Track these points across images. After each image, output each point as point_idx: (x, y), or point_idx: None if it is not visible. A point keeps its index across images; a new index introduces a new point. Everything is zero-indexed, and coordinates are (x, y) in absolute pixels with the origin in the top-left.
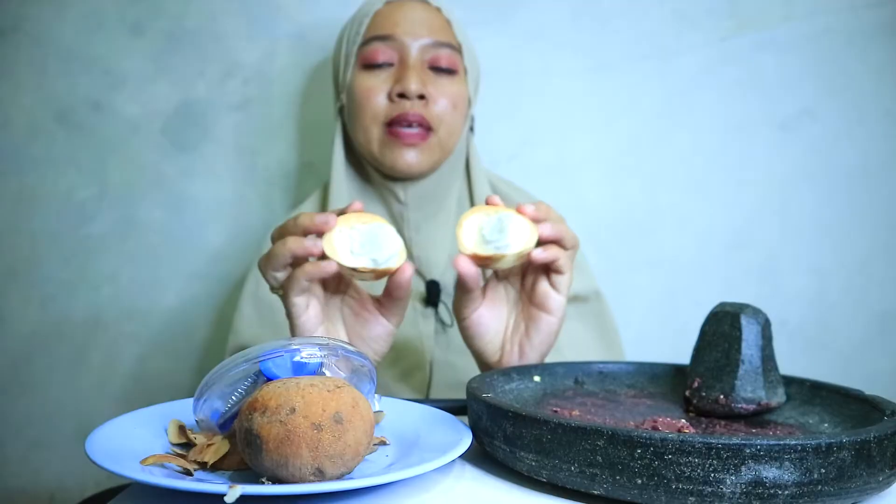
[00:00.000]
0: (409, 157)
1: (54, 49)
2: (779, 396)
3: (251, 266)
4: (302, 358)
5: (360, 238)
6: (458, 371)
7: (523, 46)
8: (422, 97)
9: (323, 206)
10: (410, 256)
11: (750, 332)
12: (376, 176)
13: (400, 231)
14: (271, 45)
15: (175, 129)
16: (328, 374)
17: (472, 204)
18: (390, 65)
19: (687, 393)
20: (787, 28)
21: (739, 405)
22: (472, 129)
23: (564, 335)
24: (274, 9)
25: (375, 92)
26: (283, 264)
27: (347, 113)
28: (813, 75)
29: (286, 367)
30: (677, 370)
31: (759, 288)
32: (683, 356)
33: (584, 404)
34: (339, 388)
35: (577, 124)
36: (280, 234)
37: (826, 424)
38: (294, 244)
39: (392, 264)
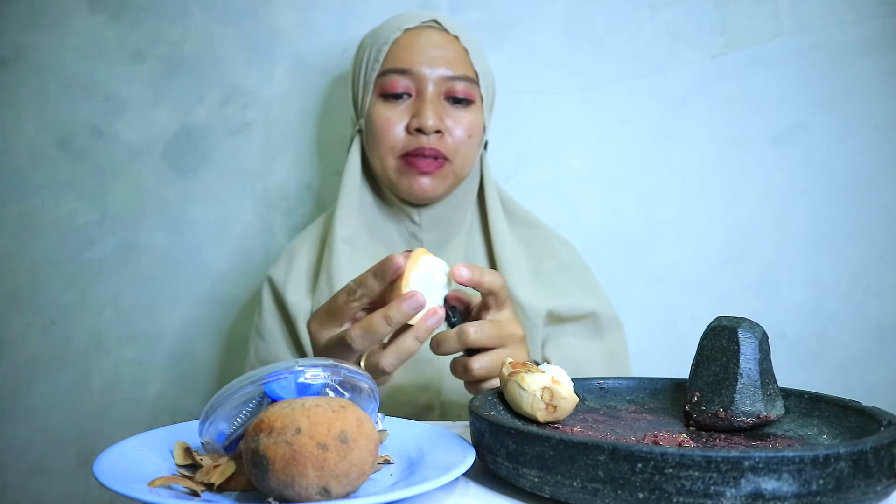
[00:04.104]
0: (425, 184)
1: (55, 76)
2: (777, 409)
3: (258, 294)
4: (306, 379)
5: (421, 281)
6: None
7: (518, 67)
8: (438, 131)
9: (328, 222)
10: None
11: (748, 346)
12: (392, 197)
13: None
14: (270, 69)
15: (175, 154)
16: (331, 394)
17: (485, 224)
18: (409, 95)
19: (687, 407)
20: (777, 44)
21: (739, 419)
22: (485, 147)
23: (579, 353)
24: (272, 34)
25: (393, 123)
26: (381, 337)
27: (366, 138)
28: (804, 90)
29: (290, 388)
30: (677, 385)
31: (756, 301)
32: (682, 370)
33: (586, 420)
34: (343, 407)
35: (572, 142)
36: (354, 295)
37: (824, 436)
38: (399, 315)
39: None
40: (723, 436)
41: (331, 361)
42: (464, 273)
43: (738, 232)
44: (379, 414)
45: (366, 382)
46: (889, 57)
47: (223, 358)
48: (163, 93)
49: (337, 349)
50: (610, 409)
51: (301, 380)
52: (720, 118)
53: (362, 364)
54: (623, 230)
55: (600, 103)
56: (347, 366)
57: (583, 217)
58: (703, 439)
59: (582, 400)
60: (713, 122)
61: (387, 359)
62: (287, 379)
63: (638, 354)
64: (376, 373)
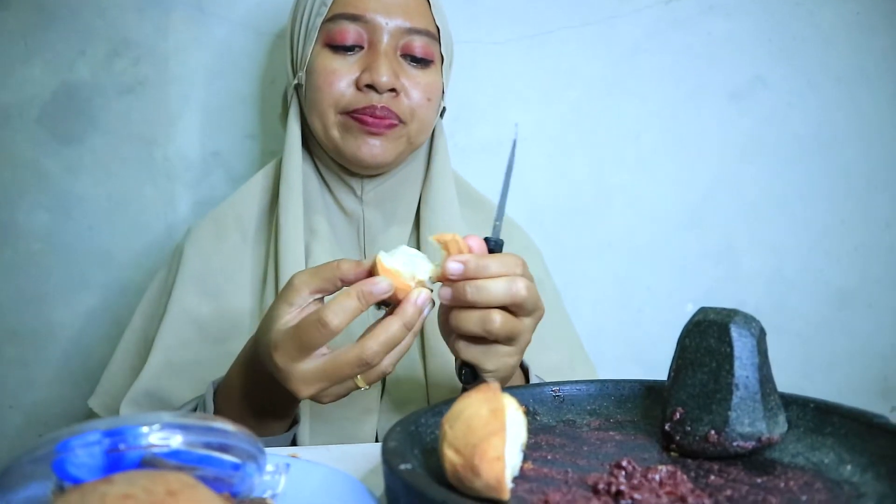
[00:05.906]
0: (374, 146)
1: None
2: (780, 426)
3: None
4: (122, 448)
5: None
6: (415, 369)
7: (452, 13)
8: (393, 90)
9: (275, 196)
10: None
11: (743, 348)
12: (333, 166)
13: (357, 232)
14: (165, 17)
15: (55, 119)
16: (172, 463)
17: (428, 202)
18: (360, 47)
19: (667, 427)
20: None
21: (735, 443)
22: (441, 114)
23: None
24: None
25: (340, 76)
26: (355, 311)
27: (305, 94)
28: (763, 40)
29: (94, 466)
30: (648, 390)
31: (715, 270)
32: (639, 351)
33: (539, 446)
34: (172, 495)
35: (513, 98)
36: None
37: (848, 466)
38: (401, 333)
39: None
40: (716, 466)
41: (187, 420)
42: (454, 269)
43: (696, 196)
44: (284, 462)
45: (235, 441)
46: (849, 5)
47: None
48: (36, 45)
49: (305, 335)
50: (568, 425)
51: (115, 450)
52: (675, 70)
53: (359, 379)
54: (571, 196)
55: (544, 54)
56: (208, 422)
57: (526, 182)
58: (692, 472)
59: (533, 415)
60: (668, 74)
61: (375, 351)
62: (90, 449)
63: (591, 331)
64: (375, 377)
